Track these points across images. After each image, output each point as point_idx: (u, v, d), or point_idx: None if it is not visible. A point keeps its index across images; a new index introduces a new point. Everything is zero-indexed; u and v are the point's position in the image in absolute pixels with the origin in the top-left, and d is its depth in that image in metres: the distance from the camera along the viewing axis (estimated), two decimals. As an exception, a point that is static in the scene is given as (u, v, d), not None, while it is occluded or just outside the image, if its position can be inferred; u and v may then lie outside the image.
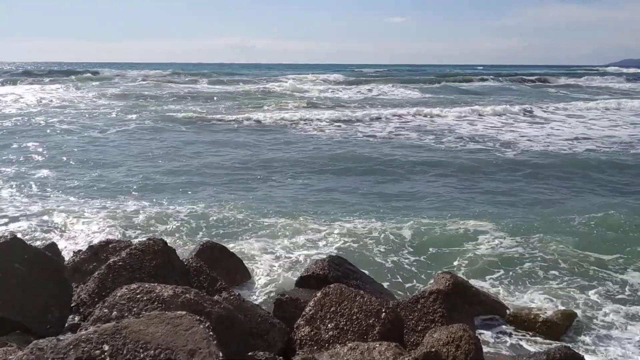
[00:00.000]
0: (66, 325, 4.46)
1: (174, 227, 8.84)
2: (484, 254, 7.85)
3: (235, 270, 6.69)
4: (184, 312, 3.34)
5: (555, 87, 52.67)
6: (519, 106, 28.27)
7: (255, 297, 6.31)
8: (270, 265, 7.29)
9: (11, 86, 41.18)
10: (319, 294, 4.81)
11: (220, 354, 3.06)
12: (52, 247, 6.42)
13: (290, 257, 7.62)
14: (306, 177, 12.97)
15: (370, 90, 43.10)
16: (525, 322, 5.90)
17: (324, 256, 6.43)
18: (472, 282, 6.54)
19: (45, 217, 9.14)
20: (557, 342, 5.46)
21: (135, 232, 8.54)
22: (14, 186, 11.43)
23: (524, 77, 65.57)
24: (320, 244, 8.17)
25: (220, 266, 6.37)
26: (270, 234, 8.52)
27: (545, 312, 5.94)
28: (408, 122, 23.53)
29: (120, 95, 35.20)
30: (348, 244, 8.17)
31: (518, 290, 6.80)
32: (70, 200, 10.43)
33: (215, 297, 4.46)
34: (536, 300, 6.47)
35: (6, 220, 8.96)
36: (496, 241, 8.31)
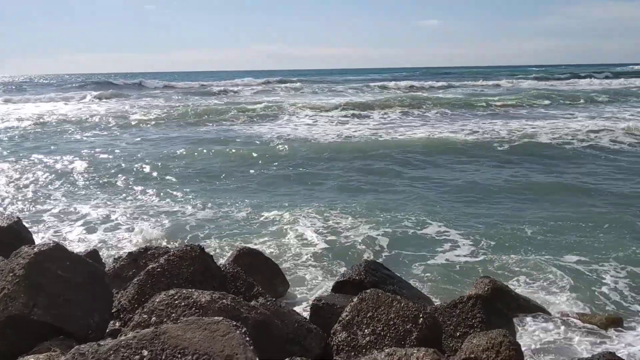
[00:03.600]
0: (107, 330, 4.54)
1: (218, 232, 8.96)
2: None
3: (272, 276, 6.70)
4: (220, 318, 3.36)
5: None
6: None
7: (291, 303, 6.31)
8: (307, 271, 7.29)
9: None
10: (355, 299, 4.78)
11: (257, 360, 3.07)
12: (94, 254, 6.57)
13: (328, 263, 7.62)
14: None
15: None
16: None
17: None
18: (512, 286, 6.41)
19: (89, 224, 9.37)
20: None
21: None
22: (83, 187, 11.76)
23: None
24: (360, 247, 8.15)
25: (257, 272, 6.39)
26: (306, 240, 8.54)
27: (592, 318, 5.79)
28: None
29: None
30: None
31: (555, 294, 6.63)
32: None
33: (252, 303, 4.48)
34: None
35: (48, 224, 9.23)
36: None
